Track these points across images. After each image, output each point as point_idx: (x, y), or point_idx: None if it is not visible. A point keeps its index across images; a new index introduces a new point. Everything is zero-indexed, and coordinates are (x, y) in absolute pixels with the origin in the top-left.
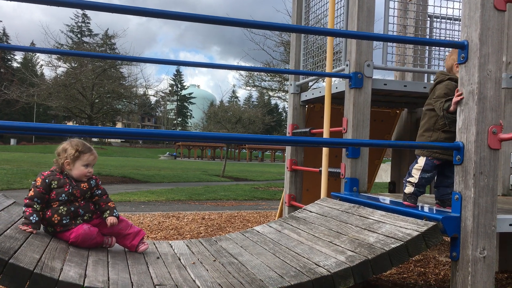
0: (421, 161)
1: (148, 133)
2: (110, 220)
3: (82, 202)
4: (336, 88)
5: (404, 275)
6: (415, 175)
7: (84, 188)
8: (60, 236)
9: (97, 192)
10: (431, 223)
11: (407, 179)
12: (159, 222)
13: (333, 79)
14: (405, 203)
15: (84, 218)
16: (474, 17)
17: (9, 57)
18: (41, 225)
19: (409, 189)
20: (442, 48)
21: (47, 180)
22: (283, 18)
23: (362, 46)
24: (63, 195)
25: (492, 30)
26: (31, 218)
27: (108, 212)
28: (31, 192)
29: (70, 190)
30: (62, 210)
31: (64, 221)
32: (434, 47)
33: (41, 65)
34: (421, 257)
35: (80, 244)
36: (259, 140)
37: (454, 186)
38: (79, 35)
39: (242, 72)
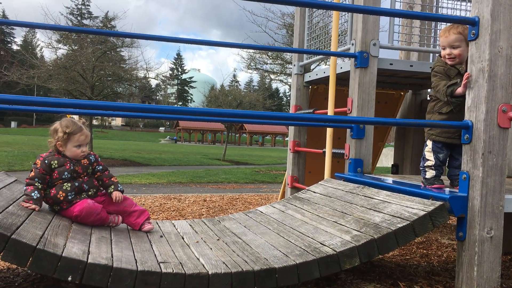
0: (429, 143)
1: (151, 108)
2: (116, 194)
3: (85, 177)
4: (341, 68)
5: (407, 257)
6: (430, 157)
7: (85, 164)
8: (64, 214)
9: (98, 168)
10: (438, 203)
11: (424, 165)
12: (161, 204)
13: (338, 60)
14: (434, 186)
15: (88, 194)
16: None
17: (9, 40)
18: (46, 204)
19: (430, 173)
20: None
21: (46, 161)
22: None
23: (368, 24)
24: (66, 173)
25: (504, 6)
26: (32, 194)
27: (112, 187)
28: (32, 173)
29: (71, 167)
30: (67, 186)
31: (70, 197)
32: (440, 27)
33: (41, 48)
34: (424, 239)
35: (84, 218)
36: (265, 117)
37: (461, 166)
38: (79, 18)
39: (244, 55)
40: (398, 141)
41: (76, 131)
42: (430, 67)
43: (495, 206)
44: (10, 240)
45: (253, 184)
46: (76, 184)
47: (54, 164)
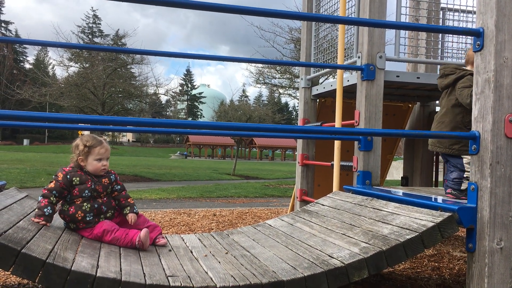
0: (467, 157)
1: (162, 123)
2: (131, 216)
3: (104, 198)
4: (348, 81)
5: (418, 270)
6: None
7: (106, 184)
8: (80, 232)
9: (116, 187)
10: (447, 214)
11: (463, 176)
12: (171, 219)
13: (345, 72)
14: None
15: (107, 216)
16: (490, 3)
17: (21, 58)
18: (63, 220)
19: (465, 184)
20: (455, 39)
21: (68, 176)
22: None
23: (374, 37)
24: (86, 191)
25: (509, 16)
26: (45, 210)
27: (128, 208)
28: (51, 184)
29: (92, 186)
30: (86, 207)
31: (88, 218)
32: (447, 39)
33: (53, 66)
34: (435, 252)
35: (102, 238)
36: (273, 130)
37: (470, 177)
38: (90, 36)
39: (252, 70)
40: (407, 153)
41: (96, 144)
42: (443, 71)
43: (504, 217)
44: (20, 254)
45: (263, 198)
46: (96, 205)
47: (75, 180)
